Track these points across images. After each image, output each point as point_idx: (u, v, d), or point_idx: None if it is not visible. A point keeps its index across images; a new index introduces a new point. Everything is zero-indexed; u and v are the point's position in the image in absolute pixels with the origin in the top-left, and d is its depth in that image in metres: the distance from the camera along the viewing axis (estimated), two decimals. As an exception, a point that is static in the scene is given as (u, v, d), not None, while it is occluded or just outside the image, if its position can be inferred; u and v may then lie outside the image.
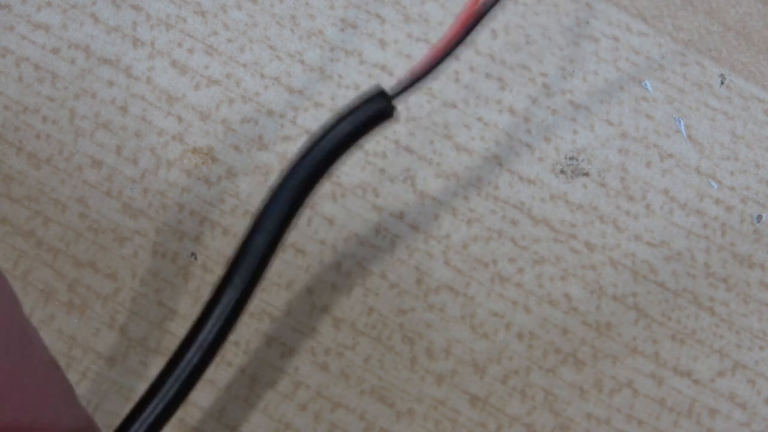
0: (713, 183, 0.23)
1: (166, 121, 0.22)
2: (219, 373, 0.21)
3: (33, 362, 0.12)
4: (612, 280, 0.22)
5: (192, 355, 0.16)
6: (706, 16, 0.25)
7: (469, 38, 0.17)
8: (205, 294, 0.21)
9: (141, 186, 0.22)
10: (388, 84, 0.19)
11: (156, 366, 0.20)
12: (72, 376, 0.20)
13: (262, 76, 0.23)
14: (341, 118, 0.17)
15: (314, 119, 0.23)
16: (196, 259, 0.21)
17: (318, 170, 0.17)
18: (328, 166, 0.17)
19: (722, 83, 0.24)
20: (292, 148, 0.22)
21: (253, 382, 0.21)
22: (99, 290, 0.21)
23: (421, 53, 0.23)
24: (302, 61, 0.23)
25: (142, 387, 0.20)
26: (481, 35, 0.24)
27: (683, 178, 0.23)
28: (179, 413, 0.19)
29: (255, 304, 0.21)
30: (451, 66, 0.23)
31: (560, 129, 0.23)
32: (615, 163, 0.23)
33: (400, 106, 0.22)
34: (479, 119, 0.23)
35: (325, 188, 0.22)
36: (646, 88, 0.24)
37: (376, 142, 0.23)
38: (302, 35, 0.23)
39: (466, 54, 0.24)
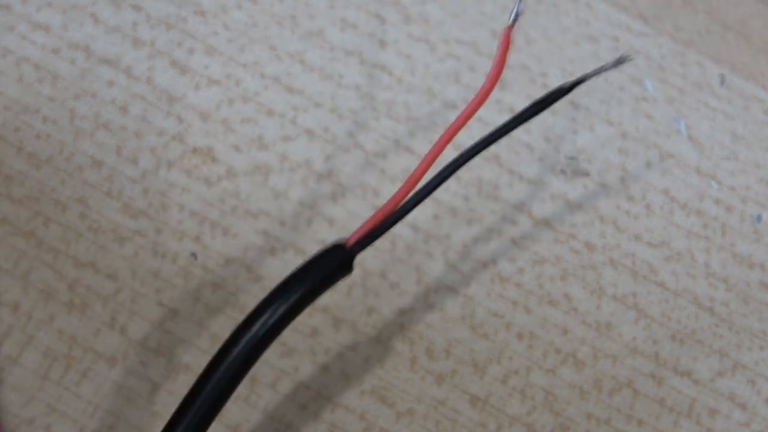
0: (713, 183, 0.23)
1: (166, 121, 0.22)
2: (219, 373, 0.21)
3: None
4: (612, 280, 0.22)
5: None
6: (706, 16, 0.25)
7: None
8: (206, 294, 0.21)
9: (141, 186, 0.22)
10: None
11: (156, 366, 0.20)
12: (72, 376, 0.20)
13: (262, 76, 0.23)
14: (297, 277, 0.17)
15: (314, 119, 0.23)
16: (196, 259, 0.21)
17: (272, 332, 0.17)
18: (279, 332, 0.17)
19: (722, 83, 0.24)
20: (292, 148, 0.22)
21: (253, 382, 0.21)
22: (99, 290, 0.21)
23: (421, 53, 0.23)
24: (302, 61, 0.23)
25: (142, 387, 0.20)
26: (481, 35, 0.24)
27: (683, 178, 0.23)
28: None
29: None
30: (451, 66, 0.23)
31: (560, 129, 0.23)
32: (615, 163, 0.23)
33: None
34: (479, 119, 0.23)
35: (325, 188, 0.22)
36: (646, 88, 0.24)
37: (375, 141, 0.23)
38: (302, 35, 0.23)
39: (466, 54, 0.24)
